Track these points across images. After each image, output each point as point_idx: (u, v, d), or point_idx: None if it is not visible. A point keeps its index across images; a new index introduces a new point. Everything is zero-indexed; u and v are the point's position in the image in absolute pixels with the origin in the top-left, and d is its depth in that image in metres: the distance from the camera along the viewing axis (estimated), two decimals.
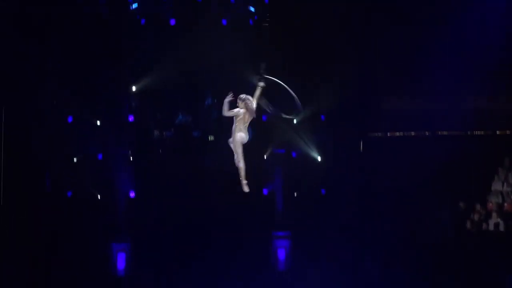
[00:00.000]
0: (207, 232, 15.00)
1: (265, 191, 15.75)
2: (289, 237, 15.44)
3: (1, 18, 14.03)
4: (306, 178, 15.84)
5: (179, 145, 15.88)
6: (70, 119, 15.34)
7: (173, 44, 15.25)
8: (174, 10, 15.63)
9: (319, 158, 15.94)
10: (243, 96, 9.63)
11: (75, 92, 15.07)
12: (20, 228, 14.40)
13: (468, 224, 14.98)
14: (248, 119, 9.65)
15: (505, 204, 15.13)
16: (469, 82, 15.58)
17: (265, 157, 15.86)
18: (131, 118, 15.54)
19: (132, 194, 15.25)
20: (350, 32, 15.55)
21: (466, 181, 15.77)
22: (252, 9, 15.74)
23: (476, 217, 15.04)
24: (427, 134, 16.84)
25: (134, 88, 15.42)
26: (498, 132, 16.70)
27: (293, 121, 15.81)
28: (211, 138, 15.91)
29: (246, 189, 9.72)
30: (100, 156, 15.39)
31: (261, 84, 9.67)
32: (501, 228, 14.67)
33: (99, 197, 15.20)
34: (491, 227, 14.80)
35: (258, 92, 9.70)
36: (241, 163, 9.64)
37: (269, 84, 9.78)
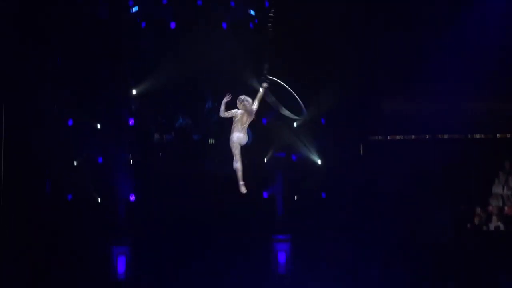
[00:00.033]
0: (207, 236, 14.99)
1: (265, 195, 15.74)
2: (289, 241, 15.42)
3: (1, 18, 14.03)
4: (306, 182, 15.84)
5: (179, 148, 15.88)
6: (70, 122, 15.34)
7: (174, 48, 15.27)
8: (174, 14, 15.65)
9: (319, 162, 15.94)
10: (242, 97, 9.65)
11: (75, 95, 15.09)
12: (20, 231, 14.40)
13: (469, 227, 14.97)
14: (246, 120, 9.65)
15: (506, 208, 15.12)
16: (469, 85, 15.56)
17: (265, 161, 15.86)
18: (131, 121, 15.55)
19: (132, 197, 15.25)
20: (350, 35, 15.55)
21: (466, 184, 15.76)
22: (252, 12, 15.77)
23: (476, 220, 15.02)
24: (427, 137, 16.82)
25: (134, 91, 15.43)
26: (498, 135, 16.69)
27: (293, 124, 15.83)
28: (211, 141, 15.92)
29: (243, 190, 9.73)
30: (100, 159, 15.40)
31: (264, 85, 9.66)
32: (501, 231, 14.66)
33: (99, 200, 15.20)
34: (492, 230, 14.80)
35: (260, 93, 9.70)
36: (238, 164, 9.64)
37: (275, 86, 9.77)
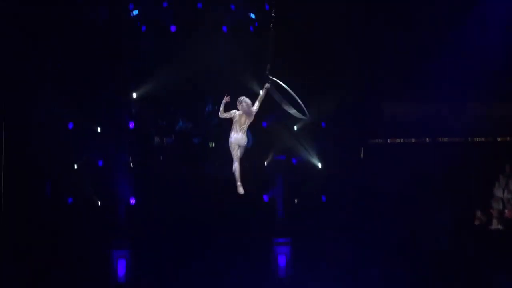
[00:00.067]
0: (207, 238, 14.99)
1: (265, 198, 15.74)
2: (289, 244, 15.41)
3: (1, 18, 14.04)
4: (306, 185, 15.84)
5: (179, 151, 15.89)
6: (70, 126, 15.35)
7: (174, 51, 15.28)
8: (174, 17, 15.66)
9: (319, 165, 15.94)
10: (241, 98, 9.65)
11: (76, 98, 15.09)
12: (21, 234, 14.40)
13: (469, 230, 14.97)
14: (245, 121, 9.65)
15: (506, 211, 15.12)
16: (469, 88, 15.59)
17: (265, 164, 15.86)
18: (131, 124, 15.56)
19: (132, 201, 15.25)
20: (350, 35, 15.56)
21: (466, 187, 15.76)
22: (252, 15, 15.79)
23: (476, 223, 15.03)
24: (427, 140, 16.83)
25: (134, 94, 15.44)
26: (498, 139, 16.70)
27: (293, 127, 15.85)
28: (211, 144, 15.92)
29: (241, 191, 9.73)
30: (100, 162, 15.41)
31: (267, 85, 9.66)
32: (502, 234, 14.66)
33: (99, 203, 15.20)
34: (492, 234, 14.80)
35: (262, 94, 9.70)
36: (235, 165, 9.66)
37: (277, 87, 9.77)
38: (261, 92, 9.69)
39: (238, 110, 9.65)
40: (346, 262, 14.71)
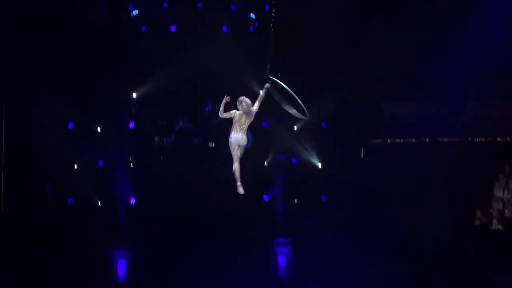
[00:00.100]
0: (207, 238, 14.99)
1: (265, 198, 15.74)
2: (289, 244, 15.41)
3: (1, 18, 14.04)
4: (306, 185, 15.84)
5: (179, 151, 15.89)
6: (70, 126, 15.35)
7: (174, 51, 15.29)
8: (174, 17, 15.66)
9: (319, 165, 15.94)
10: (241, 98, 9.66)
11: (76, 99, 15.09)
12: (21, 234, 14.40)
13: (469, 230, 14.98)
14: (245, 121, 9.66)
15: (506, 211, 15.12)
16: (469, 88, 15.59)
17: (265, 164, 15.86)
18: (131, 125, 15.56)
19: (132, 201, 15.25)
20: (351, 38, 15.57)
21: (466, 187, 15.76)
22: (252, 15, 15.79)
23: (477, 223, 15.03)
24: (427, 140, 16.83)
25: (134, 95, 15.44)
26: (498, 139, 16.71)
27: (293, 127, 15.85)
28: (211, 144, 15.92)
29: (241, 190, 9.74)
30: (100, 163, 15.41)
31: (267, 85, 9.67)
32: (502, 234, 14.66)
33: (99, 204, 15.20)
34: (492, 234, 14.80)
35: (262, 94, 9.70)
36: (235, 165, 9.67)
37: (277, 87, 9.78)
38: (261, 92, 9.70)
39: (238, 110, 9.66)
40: (346, 262, 14.71)
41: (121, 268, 14.81)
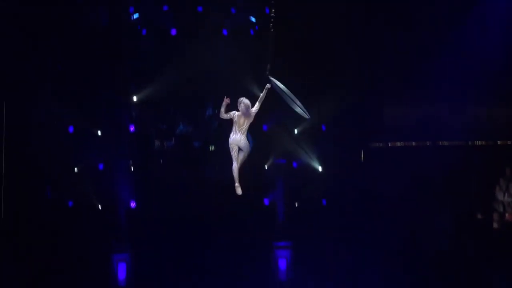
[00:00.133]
0: (207, 242, 14.98)
1: (266, 202, 15.74)
2: (290, 248, 15.40)
3: (1, 18, 14.06)
4: (307, 189, 15.84)
5: (180, 154, 15.90)
6: (71, 129, 15.36)
7: (174, 54, 15.31)
8: (175, 20, 15.69)
9: (320, 168, 15.94)
10: (240, 99, 9.74)
11: (76, 102, 15.10)
12: (21, 238, 14.39)
13: (470, 234, 14.98)
14: (244, 122, 9.74)
15: (506, 214, 15.12)
16: (470, 92, 15.60)
17: (266, 167, 15.87)
18: (132, 128, 15.57)
19: (132, 204, 15.25)
20: (351, 38, 15.57)
21: (467, 191, 15.75)
22: (253, 19, 15.81)
23: (477, 227, 15.03)
24: (428, 144, 16.83)
25: (135, 98, 15.46)
26: (499, 142, 16.71)
27: (294, 131, 15.85)
28: (212, 148, 15.94)
29: (238, 191, 9.79)
30: (101, 166, 15.42)
31: (267, 86, 9.72)
32: (502, 237, 14.67)
33: (100, 207, 15.20)
34: (493, 237, 14.80)
35: (263, 94, 9.74)
36: (234, 165, 9.71)
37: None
38: (262, 93, 9.74)
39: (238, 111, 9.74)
40: (347, 266, 14.70)
41: (121, 272, 14.79)
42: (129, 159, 15.55)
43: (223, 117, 9.77)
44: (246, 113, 9.66)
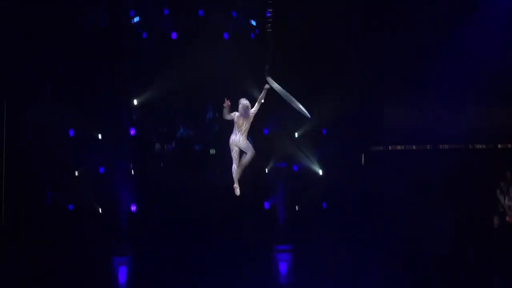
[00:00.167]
0: (208, 246, 14.98)
1: (266, 205, 15.74)
2: (290, 251, 15.40)
3: (1, 18, 14.07)
4: (307, 192, 15.84)
5: (180, 158, 15.91)
6: (71, 133, 15.37)
7: (175, 58, 15.33)
8: (175, 24, 15.71)
9: (320, 172, 15.95)
10: (240, 100, 9.76)
11: (76, 106, 15.11)
12: (21, 241, 14.38)
13: (470, 237, 14.98)
14: (243, 123, 9.77)
15: (507, 217, 15.12)
16: (471, 95, 15.61)
17: (266, 171, 15.87)
18: (132, 131, 15.58)
19: (133, 208, 15.25)
20: (351, 38, 15.58)
21: (467, 194, 15.76)
22: (253, 22, 15.83)
23: (478, 230, 15.03)
24: (428, 147, 16.83)
25: (135, 101, 15.47)
26: (499, 146, 16.72)
27: (294, 134, 15.86)
28: (212, 151, 15.94)
29: (237, 192, 9.82)
30: (101, 170, 15.42)
31: (266, 86, 9.76)
32: (502, 240, 14.67)
33: (100, 210, 15.20)
34: (493, 240, 14.80)
35: (262, 95, 9.77)
36: (233, 166, 9.74)
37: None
38: (261, 94, 9.77)
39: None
40: (347, 269, 14.67)
41: (122, 275, 14.78)
42: (129, 162, 15.54)
43: (225, 118, 9.82)
44: (245, 114, 9.70)
